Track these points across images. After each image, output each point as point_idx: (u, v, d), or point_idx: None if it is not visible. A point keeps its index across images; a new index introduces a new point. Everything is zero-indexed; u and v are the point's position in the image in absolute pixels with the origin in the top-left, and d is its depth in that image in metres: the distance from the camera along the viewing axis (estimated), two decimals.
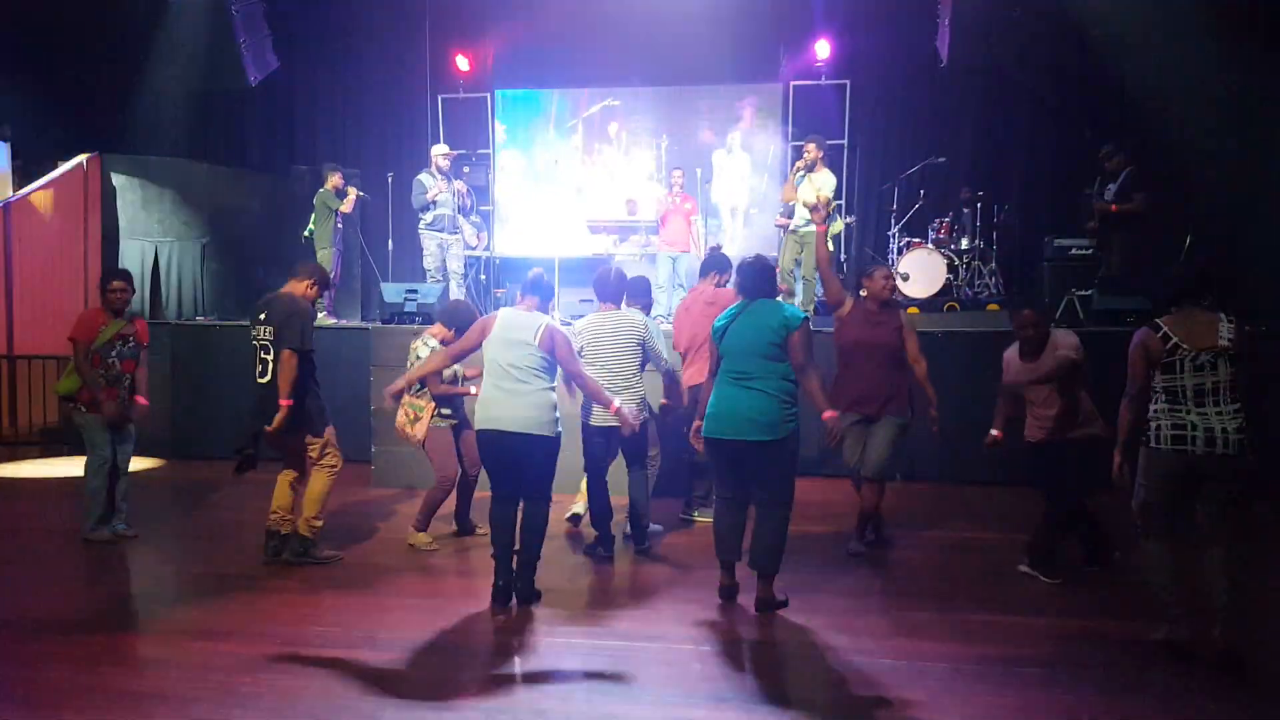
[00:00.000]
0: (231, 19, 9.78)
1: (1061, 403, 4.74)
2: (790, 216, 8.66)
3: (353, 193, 9.61)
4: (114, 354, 5.49)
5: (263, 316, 4.98)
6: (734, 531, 4.47)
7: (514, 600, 4.46)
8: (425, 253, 9.47)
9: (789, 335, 4.28)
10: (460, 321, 5.27)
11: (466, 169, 11.16)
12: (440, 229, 9.41)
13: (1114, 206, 8.23)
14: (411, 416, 5.45)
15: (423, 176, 9.40)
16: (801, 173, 8.30)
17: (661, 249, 9.30)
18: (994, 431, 5.01)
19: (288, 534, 5.14)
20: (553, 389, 4.48)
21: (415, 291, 8.58)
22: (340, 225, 9.67)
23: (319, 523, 5.11)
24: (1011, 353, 4.98)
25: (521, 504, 4.49)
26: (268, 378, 4.92)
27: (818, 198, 7.80)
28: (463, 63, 11.53)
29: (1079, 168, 9.22)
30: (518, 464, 4.42)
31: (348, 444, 5.45)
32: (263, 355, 4.96)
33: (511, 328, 4.45)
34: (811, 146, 8.30)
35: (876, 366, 5.17)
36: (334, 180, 9.53)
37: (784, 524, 4.34)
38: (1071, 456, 4.76)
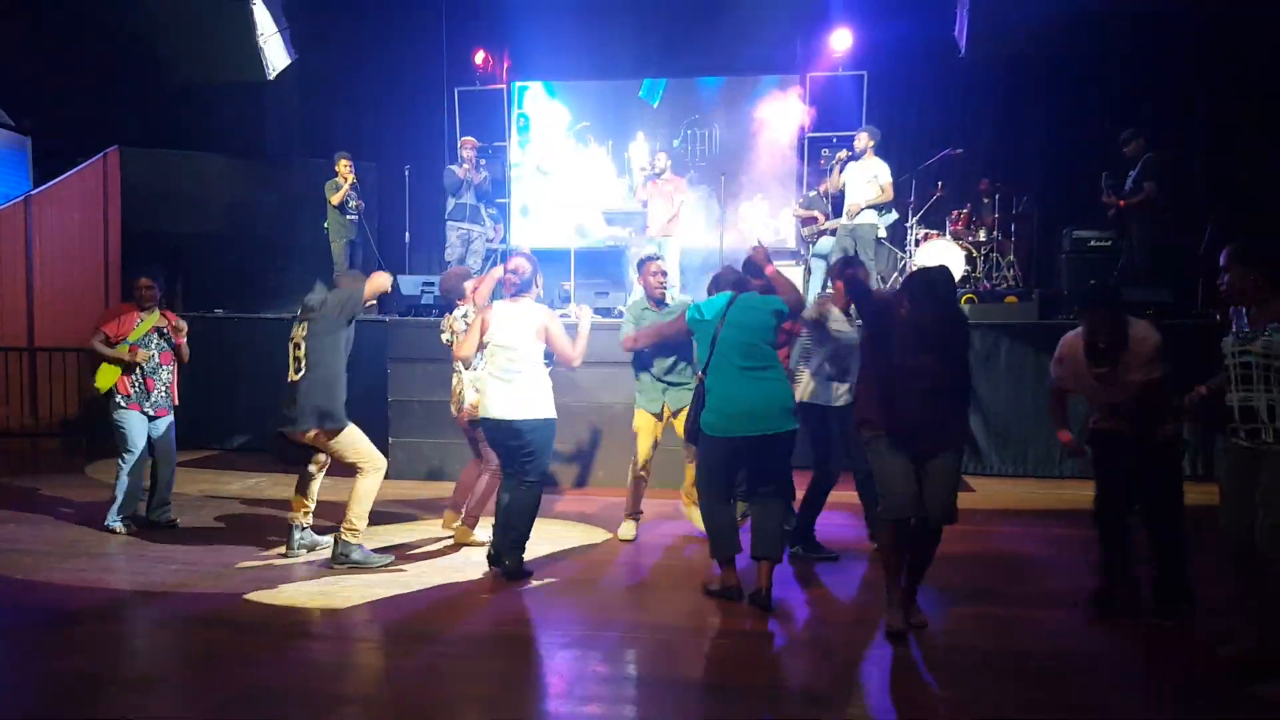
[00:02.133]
0: (249, 12, 9.82)
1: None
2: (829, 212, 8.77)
3: (345, 183, 9.45)
4: (153, 347, 5.64)
5: (303, 314, 4.95)
6: (734, 527, 4.42)
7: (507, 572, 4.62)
8: (447, 244, 9.53)
9: (782, 322, 4.34)
10: (445, 289, 5.39)
11: (482, 161, 11.17)
12: (461, 218, 9.46)
13: (1122, 202, 8.14)
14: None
15: (450, 167, 9.62)
16: (844, 162, 8.44)
17: (650, 233, 9.10)
18: (1062, 436, 4.32)
19: (307, 527, 5.18)
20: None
21: (432, 284, 8.58)
22: (353, 217, 9.62)
23: (359, 524, 4.85)
24: (1075, 343, 4.15)
25: (513, 485, 4.64)
26: (300, 374, 4.84)
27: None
28: (478, 58, 11.53)
29: (1099, 158, 9.11)
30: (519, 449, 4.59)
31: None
32: (295, 354, 4.88)
33: (510, 321, 4.64)
34: (864, 135, 8.68)
35: (928, 395, 3.83)
36: (338, 168, 9.48)
37: (784, 512, 4.41)
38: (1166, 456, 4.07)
